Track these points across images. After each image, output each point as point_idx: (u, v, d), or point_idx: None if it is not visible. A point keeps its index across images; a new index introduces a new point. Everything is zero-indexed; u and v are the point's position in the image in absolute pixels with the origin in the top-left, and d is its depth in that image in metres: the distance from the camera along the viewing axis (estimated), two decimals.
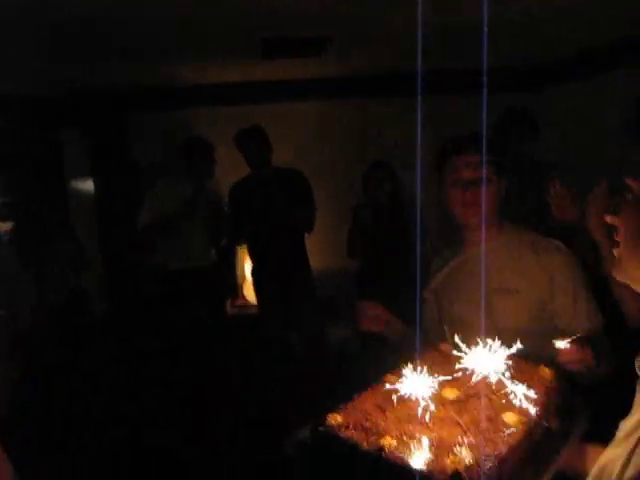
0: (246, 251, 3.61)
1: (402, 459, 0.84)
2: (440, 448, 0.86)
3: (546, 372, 1.12)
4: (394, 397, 0.98)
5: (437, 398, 0.99)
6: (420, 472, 0.81)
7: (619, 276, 0.84)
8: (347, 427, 0.93)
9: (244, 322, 3.80)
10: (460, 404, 0.99)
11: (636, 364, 0.82)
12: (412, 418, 0.93)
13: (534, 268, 1.47)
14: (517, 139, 2.90)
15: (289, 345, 3.26)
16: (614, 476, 0.73)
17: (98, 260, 3.85)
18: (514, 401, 0.99)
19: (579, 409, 1.10)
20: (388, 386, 1.02)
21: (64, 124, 3.72)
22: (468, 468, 0.81)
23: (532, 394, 1.00)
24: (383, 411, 0.97)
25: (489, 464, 0.82)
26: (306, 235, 3.35)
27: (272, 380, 2.92)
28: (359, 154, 3.77)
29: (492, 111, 2.94)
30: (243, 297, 4.15)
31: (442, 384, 1.02)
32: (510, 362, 1.06)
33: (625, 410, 0.88)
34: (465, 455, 0.84)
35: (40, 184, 3.36)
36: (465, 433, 0.90)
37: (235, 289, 4.19)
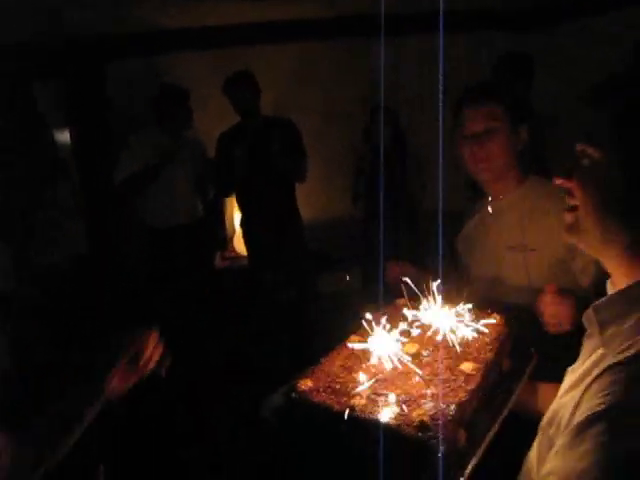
0: (234, 203, 3.58)
1: (372, 416, 0.88)
2: (407, 402, 0.91)
3: (497, 318, 1.19)
4: (358, 356, 1.03)
5: (399, 354, 1.03)
6: (390, 426, 0.86)
7: (571, 239, 0.85)
8: (318, 391, 0.97)
9: (235, 274, 3.83)
10: (420, 358, 1.04)
11: (583, 318, 0.85)
12: (378, 376, 0.97)
13: (555, 225, 1.38)
14: (516, 86, 2.80)
15: (281, 295, 3.30)
16: (564, 422, 0.77)
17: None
18: (469, 349, 1.05)
19: (528, 350, 1.18)
20: (351, 346, 1.07)
21: (38, 73, 3.56)
22: (433, 417, 0.86)
23: (485, 339, 1.07)
24: (350, 372, 1.01)
25: (451, 411, 0.88)
26: (297, 185, 3.32)
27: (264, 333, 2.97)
28: (353, 98, 3.67)
29: (493, 51, 2.82)
30: (233, 249, 4.18)
31: (402, 340, 1.06)
32: (464, 312, 1.11)
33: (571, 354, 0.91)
34: (429, 406, 0.89)
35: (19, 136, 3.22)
36: (427, 385, 0.95)
37: (224, 242, 4.19)
